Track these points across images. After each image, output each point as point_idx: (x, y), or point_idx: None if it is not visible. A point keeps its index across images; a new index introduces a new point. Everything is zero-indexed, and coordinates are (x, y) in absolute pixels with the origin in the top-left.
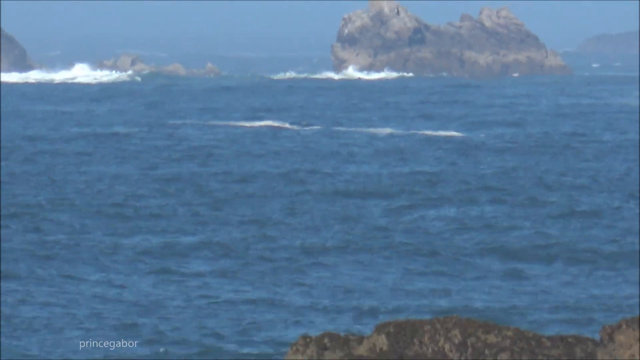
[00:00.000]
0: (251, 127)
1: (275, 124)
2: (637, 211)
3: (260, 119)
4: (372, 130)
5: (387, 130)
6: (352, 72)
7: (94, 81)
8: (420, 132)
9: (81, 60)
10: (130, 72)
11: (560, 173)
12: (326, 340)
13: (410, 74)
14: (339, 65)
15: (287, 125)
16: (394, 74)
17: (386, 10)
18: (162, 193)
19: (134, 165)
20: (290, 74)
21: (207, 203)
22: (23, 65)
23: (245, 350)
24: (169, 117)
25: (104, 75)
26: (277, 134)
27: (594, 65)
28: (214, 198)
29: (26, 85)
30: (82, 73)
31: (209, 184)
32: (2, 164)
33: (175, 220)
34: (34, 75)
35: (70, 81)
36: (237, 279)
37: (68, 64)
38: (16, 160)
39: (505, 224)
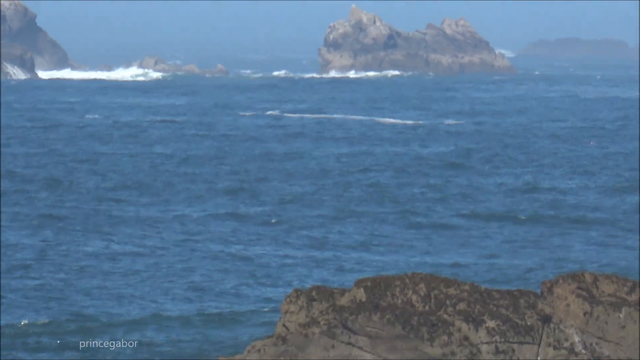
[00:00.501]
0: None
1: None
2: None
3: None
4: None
5: (410, 121)
6: (342, 72)
7: (131, 79)
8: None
9: (107, 62)
10: (158, 72)
11: (505, 154)
12: (314, 292)
13: (388, 73)
14: (325, 65)
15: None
16: (372, 73)
17: (364, 19)
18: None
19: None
20: (288, 73)
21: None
22: (65, 65)
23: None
24: (238, 109)
25: (139, 75)
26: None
27: (536, 67)
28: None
29: (80, 82)
30: (119, 73)
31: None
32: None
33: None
34: (79, 75)
35: (109, 79)
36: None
37: (102, 66)
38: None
39: (472, 192)
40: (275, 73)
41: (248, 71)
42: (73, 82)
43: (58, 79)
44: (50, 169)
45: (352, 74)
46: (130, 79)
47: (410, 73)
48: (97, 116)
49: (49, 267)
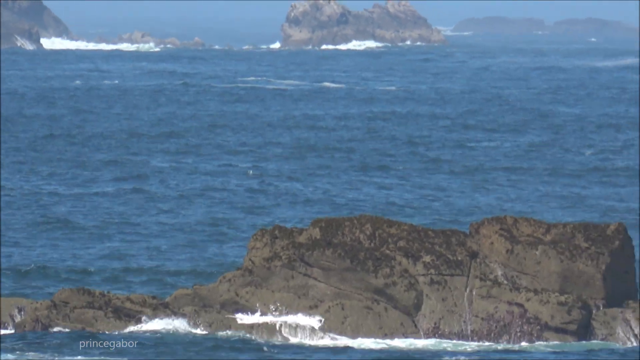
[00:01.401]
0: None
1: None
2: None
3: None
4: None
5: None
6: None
7: (135, 49)
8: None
9: (102, 36)
10: (151, 44)
11: (441, 114)
12: (276, 231)
13: (341, 46)
14: (287, 39)
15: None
16: (330, 46)
17: (321, 0)
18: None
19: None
20: (262, 46)
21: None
22: (67, 37)
23: None
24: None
25: (139, 47)
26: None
27: (467, 40)
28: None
29: (92, 52)
30: (121, 45)
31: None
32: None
33: None
34: (87, 46)
35: (117, 49)
36: None
37: (97, 38)
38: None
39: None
40: (246, 46)
41: (224, 46)
42: (81, 51)
43: (63, 49)
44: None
45: (330, 47)
46: (126, 49)
47: (363, 47)
48: (116, 81)
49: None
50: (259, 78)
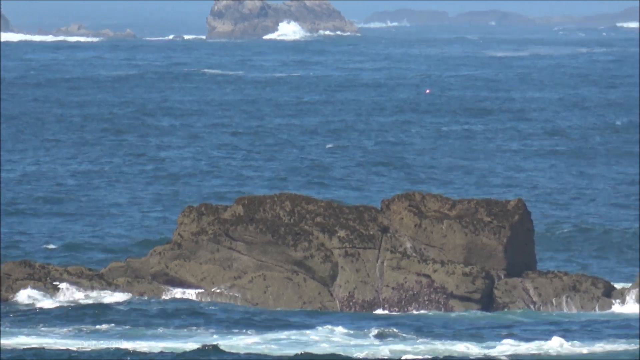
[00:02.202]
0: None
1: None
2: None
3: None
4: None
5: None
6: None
7: (85, 40)
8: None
9: (41, 27)
10: (83, 36)
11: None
12: (203, 208)
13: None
14: (211, 30)
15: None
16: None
17: None
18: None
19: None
20: (188, 36)
21: None
22: (7, 30)
23: None
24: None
25: (80, 37)
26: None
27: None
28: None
29: (35, 43)
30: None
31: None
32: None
33: None
34: (24, 37)
35: (66, 39)
36: None
37: (38, 30)
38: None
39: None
40: (171, 36)
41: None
42: (29, 43)
43: (8, 42)
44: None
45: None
46: (84, 40)
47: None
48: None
49: None
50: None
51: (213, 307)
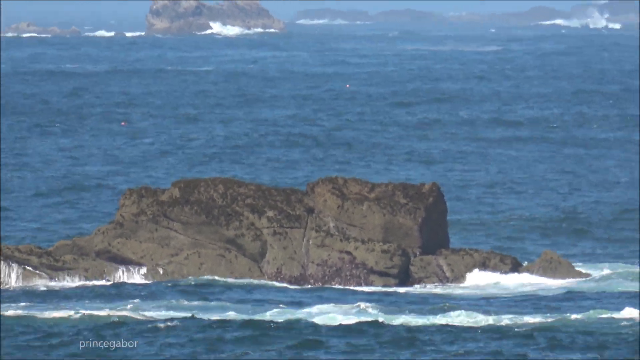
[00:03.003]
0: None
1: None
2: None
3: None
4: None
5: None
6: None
7: (41, 36)
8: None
9: None
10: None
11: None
12: (143, 191)
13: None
14: (150, 27)
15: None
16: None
17: None
18: None
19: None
20: (129, 33)
21: None
22: None
23: None
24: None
25: (36, 34)
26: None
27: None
28: None
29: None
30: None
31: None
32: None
33: None
34: None
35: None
36: None
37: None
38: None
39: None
40: (112, 33)
41: (102, 31)
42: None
43: None
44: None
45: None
46: (41, 36)
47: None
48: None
49: None
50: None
51: (149, 281)
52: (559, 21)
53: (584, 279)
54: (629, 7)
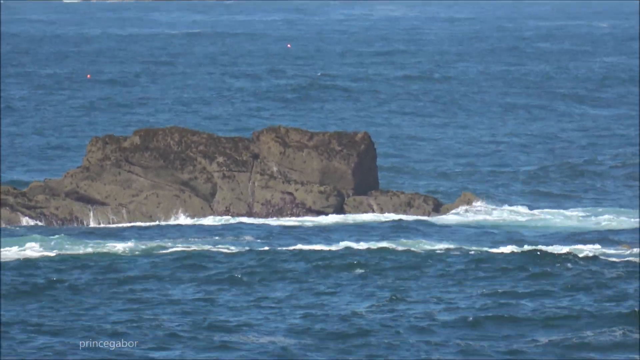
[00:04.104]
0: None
1: None
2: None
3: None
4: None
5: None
6: None
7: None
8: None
9: None
10: None
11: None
12: (107, 139)
13: None
14: None
15: None
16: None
17: None
18: None
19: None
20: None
21: None
22: None
23: None
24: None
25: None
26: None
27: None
28: None
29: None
30: None
31: None
32: None
33: None
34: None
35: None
36: None
37: None
38: None
39: None
40: None
41: None
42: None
43: None
44: None
45: None
46: None
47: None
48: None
49: None
50: None
51: (113, 218)
52: None
53: (495, 217)
54: None
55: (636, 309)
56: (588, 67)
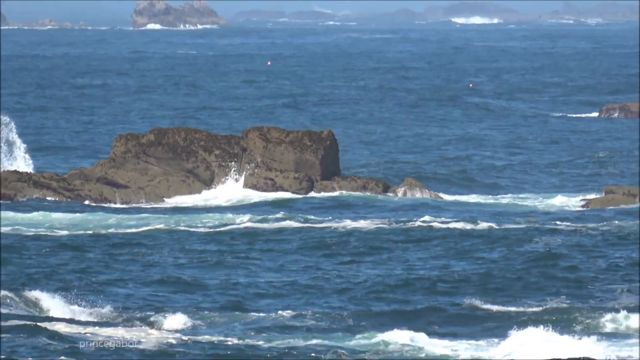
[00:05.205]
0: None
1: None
2: None
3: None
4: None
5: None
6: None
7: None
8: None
9: None
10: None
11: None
12: (128, 136)
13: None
14: (134, 22)
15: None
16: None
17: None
18: None
19: None
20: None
21: None
22: (4, 24)
23: None
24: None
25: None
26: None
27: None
28: None
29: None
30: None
31: None
32: None
33: None
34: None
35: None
36: None
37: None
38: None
39: None
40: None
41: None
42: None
43: None
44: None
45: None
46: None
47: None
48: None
49: None
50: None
51: (135, 198)
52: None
53: (434, 198)
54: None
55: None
56: None
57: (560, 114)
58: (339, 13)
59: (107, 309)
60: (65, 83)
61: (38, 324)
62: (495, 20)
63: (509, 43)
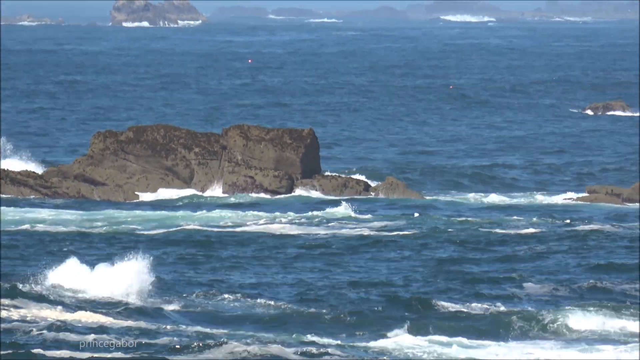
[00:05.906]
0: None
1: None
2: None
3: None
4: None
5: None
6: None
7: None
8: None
9: None
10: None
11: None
12: (107, 133)
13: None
14: (113, 19)
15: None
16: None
17: None
18: None
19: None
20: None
21: None
22: None
23: None
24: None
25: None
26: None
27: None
28: None
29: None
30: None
31: None
32: None
33: None
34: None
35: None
36: None
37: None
38: None
39: None
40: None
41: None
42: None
43: None
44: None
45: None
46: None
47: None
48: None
49: None
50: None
51: (111, 195)
52: None
53: (416, 197)
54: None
55: None
56: None
57: (548, 112)
58: (319, 10)
59: None
60: (48, 79)
61: None
62: (486, 19)
63: (507, 43)
